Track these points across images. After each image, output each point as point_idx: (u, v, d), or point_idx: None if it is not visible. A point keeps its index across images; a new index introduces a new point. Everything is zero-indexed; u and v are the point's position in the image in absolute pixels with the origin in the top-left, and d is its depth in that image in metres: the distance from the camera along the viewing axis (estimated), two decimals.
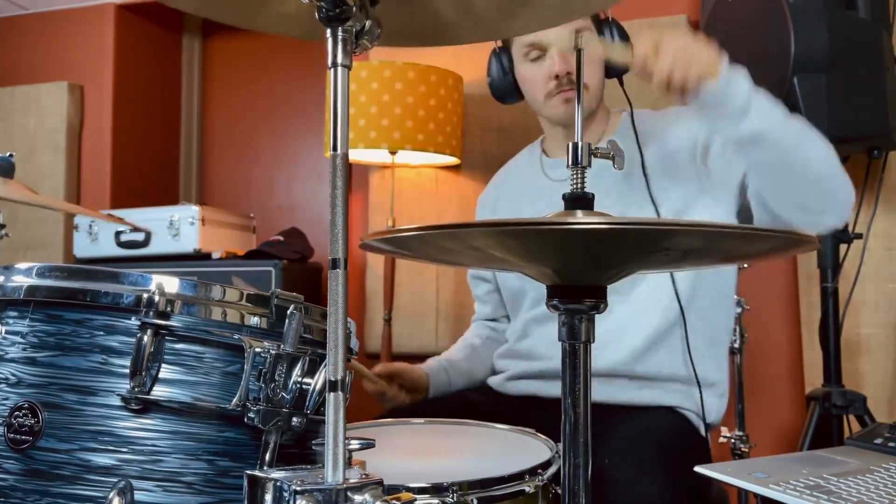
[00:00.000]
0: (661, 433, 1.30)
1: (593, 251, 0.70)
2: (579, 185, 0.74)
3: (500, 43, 1.53)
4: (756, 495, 0.98)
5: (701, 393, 1.39)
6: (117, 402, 0.81)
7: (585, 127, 1.51)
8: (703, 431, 1.41)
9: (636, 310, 1.40)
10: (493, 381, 1.57)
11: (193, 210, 2.46)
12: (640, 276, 1.40)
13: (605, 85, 1.50)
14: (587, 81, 1.45)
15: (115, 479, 0.79)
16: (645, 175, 1.41)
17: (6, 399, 0.83)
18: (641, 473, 1.14)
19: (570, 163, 0.75)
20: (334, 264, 0.66)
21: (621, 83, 1.49)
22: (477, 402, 1.50)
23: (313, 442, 0.88)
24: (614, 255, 0.71)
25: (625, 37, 1.45)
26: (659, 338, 1.39)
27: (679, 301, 1.38)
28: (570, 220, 0.61)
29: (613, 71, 1.47)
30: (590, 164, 0.75)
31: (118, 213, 2.42)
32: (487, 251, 0.74)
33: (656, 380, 1.40)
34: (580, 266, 0.73)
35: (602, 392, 1.37)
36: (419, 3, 0.83)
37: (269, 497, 0.67)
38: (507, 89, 1.53)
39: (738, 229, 0.66)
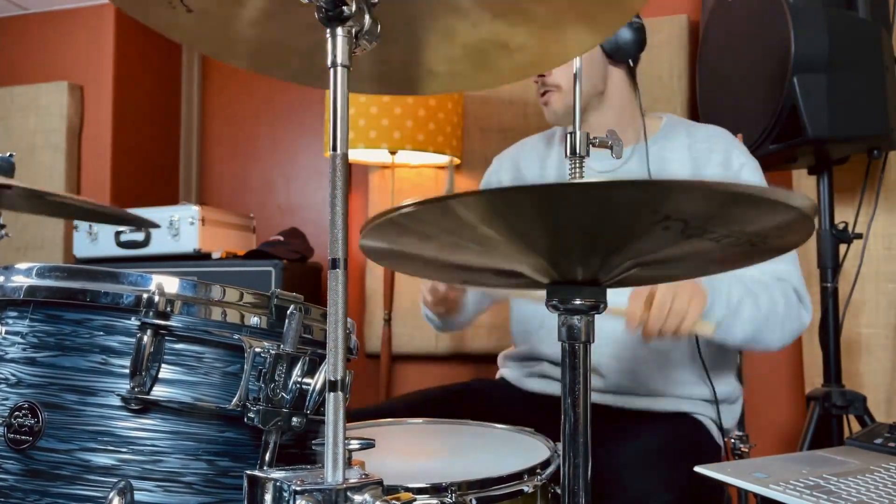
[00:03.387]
0: (675, 440, 1.29)
1: (586, 219, 0.62)
2: (578, 176, 0.74)
3: None
4: (756, 495, 0.98)
5: (718, 407, 1.38)
6: (117, 402, 0.81)
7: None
8: (718, 439, 1.40)
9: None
10: (511, 376, 1.54)
11: (193, 210, 2.46)
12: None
13: (643, 91, 1.45)
14: (559, 82, 1.43)
15: (115, 479, 0.79)
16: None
17: (6, 399, 0.83)
18: (653, 480, 1.14)
19: (567, 153, 0.75)
20: (334, 264, 0.66)
21: (633, 74, 1.46)
22: (492, 396, 1.48)
23: (313, 442, 0.88)
24: (608, 224, 0.64)
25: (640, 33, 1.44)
26: (670, 355, 1.38)
27: None
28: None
29: (618, 56, 1.43)
30: (587, 153, 0.74)
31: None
32: (480, 232, 0.67)
33: (670, 396, 1.39)
34: (573, 246, 0.68)
35: (616, 400, 1.37)
36: (400, 50, 0.83)
37: (268, 497, 0.67)
38: None
39: (744, 190, 0.55)
